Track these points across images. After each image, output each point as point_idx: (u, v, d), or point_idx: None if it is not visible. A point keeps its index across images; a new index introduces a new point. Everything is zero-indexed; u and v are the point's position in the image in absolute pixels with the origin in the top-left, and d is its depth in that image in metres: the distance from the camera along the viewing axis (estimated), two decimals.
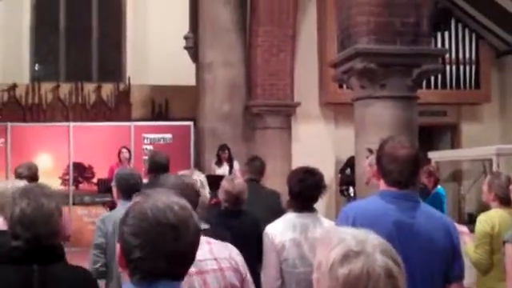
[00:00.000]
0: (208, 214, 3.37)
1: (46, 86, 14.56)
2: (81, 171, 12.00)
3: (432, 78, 12.00)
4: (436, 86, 12.60)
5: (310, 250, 3.63)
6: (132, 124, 12.55)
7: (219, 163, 10.22)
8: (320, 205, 3.94)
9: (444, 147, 13.25)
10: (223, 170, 10.06)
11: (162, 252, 1.57)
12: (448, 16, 11.82)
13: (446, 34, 12.45)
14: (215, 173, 9.79)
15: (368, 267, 1.34)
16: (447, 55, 12.19)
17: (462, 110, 13.29)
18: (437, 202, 7.92)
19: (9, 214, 2.51)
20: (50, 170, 11.50)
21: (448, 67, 12.61)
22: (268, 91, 11.63)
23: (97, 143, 11.80)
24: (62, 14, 16.37)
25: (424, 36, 5.91)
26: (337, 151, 12.08)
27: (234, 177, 4.69)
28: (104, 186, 9.95)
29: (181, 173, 3.46)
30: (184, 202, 1.67)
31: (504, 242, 3.68)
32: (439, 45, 12.10)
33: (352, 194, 10.39)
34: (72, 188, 11.86)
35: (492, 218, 4.48)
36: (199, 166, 10.97)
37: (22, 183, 3.25)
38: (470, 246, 4.54)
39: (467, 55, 12.84)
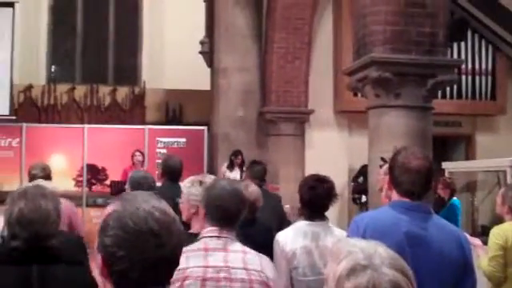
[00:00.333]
0: None
1: (62, 88, 14.64)
2: (94, 173, 12.05)
3: (448, 89, 11.94)
4: (452, 97, 12.54)
5: (320, 258, 3.61)
6: (146, 127, 12.59)
7: (231, 167, 10.21)
8: (332, 213, 3.93)
9: (458, 158, 13.17)
10: (234, 174, 10.06)
11: (146, 261, 1.53)
12: (464, 26, 11.77)
13: (463, 44, 12.39)
14: (224, 176, 9.78)
15: (374, 281, 1.33)
16: (463, 66, 12.14)
17: (477, 121, 13.21)
18: (452, 214, 7.88)
19: (7, 214, 2.53)
20: (64, 172, 11.56)
21: (464, 78, 12.55)
22: (282, 98, 11.63)
23: (111, 145, 11.85)
24: (80, 16, 16.46)
25: (440, 46, 5.89)
26: (350, 159, 12.05)
27: (248, 183, 4.65)
28: (117, 188, 9.97)
29: (193, 177, 3.47)
30: (165, 205, 1.62)
31: None
32: (455, 55, 12.04)
33: (364, 203, 10.35)
34: (85, 190, 11.91)
35: (506, 230, 4.44)
36: (212, 170, 10.98)
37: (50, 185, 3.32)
38: (483, 258, 4.51)
39: (483, 66, 12.77)
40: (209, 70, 13.40)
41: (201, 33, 14.09)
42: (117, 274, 1.54)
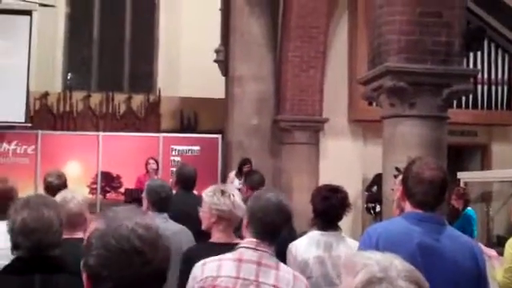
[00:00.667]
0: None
1: (78, 95, 14.74)
2: (109, 180, 12.10)
3: (463, 98, 11.88)
4: (467, 106, 12.47)
5: (333, 268, 3.60)
6: (161, 135, 12.65)
7: (239, 175, 10.08)
8: (346, 222, 3.92)
9: (474, 168, 13.09)
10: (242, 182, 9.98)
11: (131, 279, 1.50)
12: (481, 36, 11.70)
13: (479, 53, 12.32)
14: (232, 183, 9.73)
15: None
16: (479, 75, 12.08)
17: (493, 131, 13.13)
18: (466, 224, 7.83)
19: (10, 224, 2.53)
20: (79, 179, 11.63)
21: (480, 87, 12.48)
22: (297, 106, 11.61)
23: (125, 153, 11.91)
24: (96, 24, 16.60)
25: (455, 56, 5.86)
26: (364, 168, 12.00)
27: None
28: (131, 196, 10.00)
29: (215, 186, 3.48)
30: (149, 220, 1.58)
31: None
32: (471, 65, 11.98)
33: (379, 212, 10.30)
34: (99, 197, 11.95)
35: None
36: (225, 179, 10.98)
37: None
38: (498, 270, 4.47)
39: (499, 76, 12.70)
40: (223, 78, 13.44)
41: (216, 41, 14.14)
42: None
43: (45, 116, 14.30)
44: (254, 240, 2.81)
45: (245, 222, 2.93)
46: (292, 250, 3.71)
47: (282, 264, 2.84)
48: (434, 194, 2.71)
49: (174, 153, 12.25)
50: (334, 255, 3.64)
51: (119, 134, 13.03)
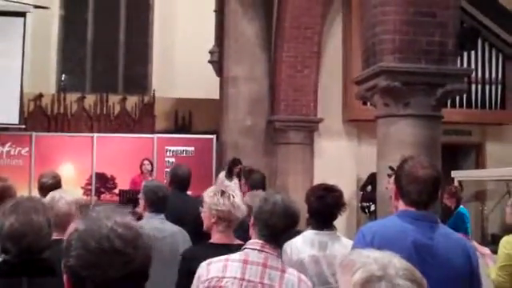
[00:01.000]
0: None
1: (72, 97, 14.70)
2: (103, 182, 12.08)
3: (457, 97, 11.90)
4: (461, 105, 12.48)
5: (328, 267, 3.61)
6: (155, 136, 12.63)
7: (229, 176, 10.00)
8: (340, 222, 3.92)
9: (468, 167, 13.12)
10: (232, 183, 9.94)
11: (112, 279, 1.47)
12: (475, 36, 11.72)
13: (472, 53, 12.34)
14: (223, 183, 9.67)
15: None
16: (473, 74, 12.10)
17: (487, 130, 13.16)
18: (460, 222, 7.86)
19: None
20: (73, 180, 11.60)
21: (474, 87, 12.50)
22: (291, 107, 11.62)
23: (120, 154, 11.89)
24: (90, 26, 16.56)
25: (449, 55, 5.87)
26: (359, 168, 12.01)
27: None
28: (125, 197, 9.99)
29: (216, 187, 3.48)
30: (129, 219, 1.56)
31: None
32: (465, 64, 12.01)
33: (373, 211, 10.31)
34: (94, 198, 11.93)
35: None
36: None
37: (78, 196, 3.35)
38: (492, 268, 4.48)
39: (493, 75, 12.72)
40: (218, 79, 13.44)
41: (210, 42, 14.14)
42: None
43: (39, 117, 14.25)
44: (260, 241, 2.82)
45: (251, 221, 2.94)
46: (287, 249, 3.71)
47: (287, 267, 2.85)
48: (427, 193, 2.72)
49: (168, 153, 12.23)
50: (328, 254, 3.65)
51: (113, 135, 13.01)
